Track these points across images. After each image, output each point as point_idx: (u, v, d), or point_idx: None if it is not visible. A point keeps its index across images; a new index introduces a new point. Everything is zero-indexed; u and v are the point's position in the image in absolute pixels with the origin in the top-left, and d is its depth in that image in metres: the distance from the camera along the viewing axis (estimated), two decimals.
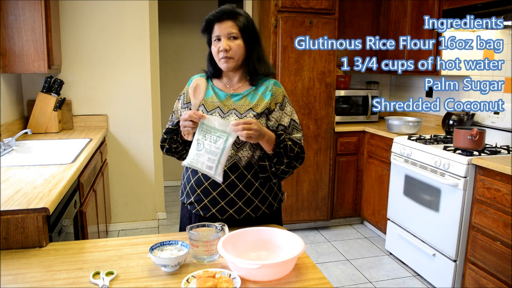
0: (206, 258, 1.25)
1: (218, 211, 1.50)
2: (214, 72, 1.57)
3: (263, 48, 1.56)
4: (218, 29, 1.45)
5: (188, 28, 4.66)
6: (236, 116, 1.47)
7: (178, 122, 1.46)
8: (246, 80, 1.55)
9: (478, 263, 2.37)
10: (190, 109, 1.47)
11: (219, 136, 1.33)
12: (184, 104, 1.58)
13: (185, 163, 1.38)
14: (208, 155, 1.34)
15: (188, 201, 1.57)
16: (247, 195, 1.50)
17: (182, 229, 1.65)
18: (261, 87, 1.54)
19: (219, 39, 1.46)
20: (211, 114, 1.49)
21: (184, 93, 1.60)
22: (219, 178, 1.35)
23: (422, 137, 3.00)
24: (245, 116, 1.47)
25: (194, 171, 1.54)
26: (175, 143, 1.51)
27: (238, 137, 1.36)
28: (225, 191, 1.49)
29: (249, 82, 1.54)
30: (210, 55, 1.53)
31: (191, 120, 1.35)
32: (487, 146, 2.67)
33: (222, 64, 1.49)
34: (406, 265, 3.04)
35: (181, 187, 1.63)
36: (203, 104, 1.52)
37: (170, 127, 1.51)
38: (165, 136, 1.52)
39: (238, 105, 1.50)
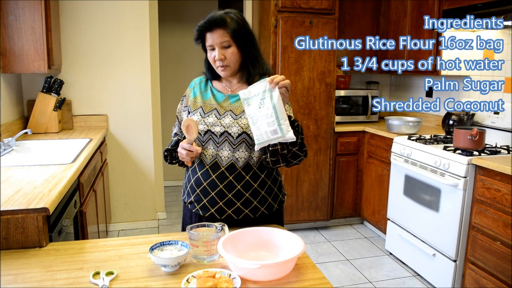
0: (206, 258, 1.25)
1: (217, 211, 1.51)
2: (213, 76, 1.58)
3: (259, 48, 1.54)
4: (210, 39, 1.44)
5: (188, 28, 4.66)
6: (232, 117, 1.48)
7: (177, 142, 1.56)
8: (245, 81, 1.54)
9: (478, 263, 2.37)
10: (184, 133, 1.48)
11: (263, 97, 1.29)
12: (184, 107, 1.60)
13: (256, 147, 1.34)
14: (265, 120, 1.28)
15: (188, 201, 1.58)
16: (245, 196, 1.50)
17: (184, 228, 1.66)
18: None
19: (213, 48, 1.45)
20: (208, 115, 1.50)
21: (185, 95, 1.62)
22: (290, 135, 1.28)
23: (422, 137, 3.00)
24: (240, 117, 1.47)
25: (194, 171, 1.54)
26: (174, 159, 1.60)
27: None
28: (223, 191, 1.49)
29: (247, 83, 1.53)
30: (208, 61, 1.53)
31: (188, 152, 1.45)
32: (487, 146, 2.67)
33: (220, 72, 1.49)
34: (406, 265, 3.04)
35: (183, 186, 1.65)
36: (201, 107, 1.53)
37: (169, 147, 1.59)
38: (165, 153, 1.59)
39: (234, 107, 1.51)
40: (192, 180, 1.55)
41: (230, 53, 1.44)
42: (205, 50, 1.51)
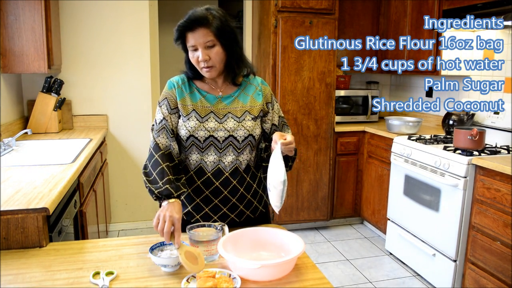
0: (206, 258, 1.25)
1: (220, 217, 1.48)
2: (195, 75, 1.46)
3: (241, 46, 1.45)
4: (193, 39, 1.33)
5: None
6: (235, 120, 1.41)
7: (167, 180, 1.32)
8: (230, 81, 1.47)
9: (478, 263, 2.37)
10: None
11: (280, 157, 1.28)
12: (171, 109, 1.43)
13: (279, 209, 1.28)
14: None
15: (185, 211, 1.48)
16: (247, 197, 1.49)
17: (184, 228, 1.59)
18: (249, 87, 1.49)
19: (195, 49, 1.35)
20: (207, 120, 1.41)
21: (166, 98, 1.44)
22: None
23: (422, 137, 3.00)
24: (243, 119, 1.42)
25: (191, 180, 1.45)
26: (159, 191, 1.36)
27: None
28: (228, 197, 1.46)
29: (232, 83, 1.48)
30: (189, 61, 1.42)
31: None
32: (487, 146, 2.67)
33: (205, 74, 1.39)
34: (406, 265, 3.04)
35: None
36: (194, 110, 1.42)
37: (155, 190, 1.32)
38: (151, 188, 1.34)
39: (232, 108, 1.44)
40: (189, 190, 1.46)
41: (215, 53, 1.35)
42: (185, 51, 1.41)
